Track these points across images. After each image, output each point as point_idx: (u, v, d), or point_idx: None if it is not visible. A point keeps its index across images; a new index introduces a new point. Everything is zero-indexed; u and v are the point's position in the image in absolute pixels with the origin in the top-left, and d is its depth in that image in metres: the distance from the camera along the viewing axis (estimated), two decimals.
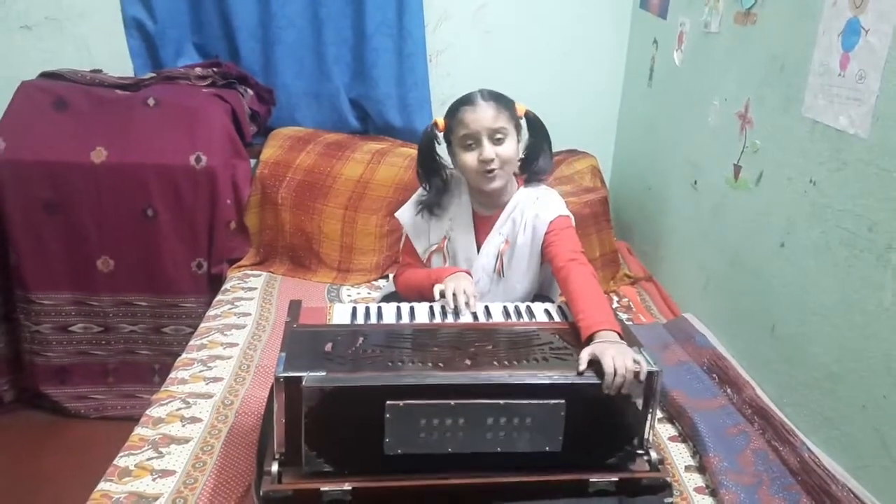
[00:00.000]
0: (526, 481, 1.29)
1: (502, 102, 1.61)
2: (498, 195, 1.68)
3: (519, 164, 1.69)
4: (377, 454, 1.25)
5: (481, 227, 1.71)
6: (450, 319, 1.51)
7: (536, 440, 1.27)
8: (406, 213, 1.75)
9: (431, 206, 1.71)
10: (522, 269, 1.69)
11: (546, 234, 1.63)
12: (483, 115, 1.58)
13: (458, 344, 1.39)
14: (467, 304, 1.52)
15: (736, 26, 2.02)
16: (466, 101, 1.61)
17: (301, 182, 2.58)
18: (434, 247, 1.72)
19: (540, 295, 1.74)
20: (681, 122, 2.40)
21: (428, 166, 1.70)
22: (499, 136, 1.59)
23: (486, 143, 1.59)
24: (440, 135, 1.67)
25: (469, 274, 1.63)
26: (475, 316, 1.52)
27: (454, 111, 1.62)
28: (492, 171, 1.61)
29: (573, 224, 1.67)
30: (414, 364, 1.30)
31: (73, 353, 2.51)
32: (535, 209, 1.66)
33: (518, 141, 1.65)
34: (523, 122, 1.67)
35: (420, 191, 1.75)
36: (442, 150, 1.70)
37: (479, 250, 1.70)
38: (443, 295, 1.54)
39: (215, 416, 1.71)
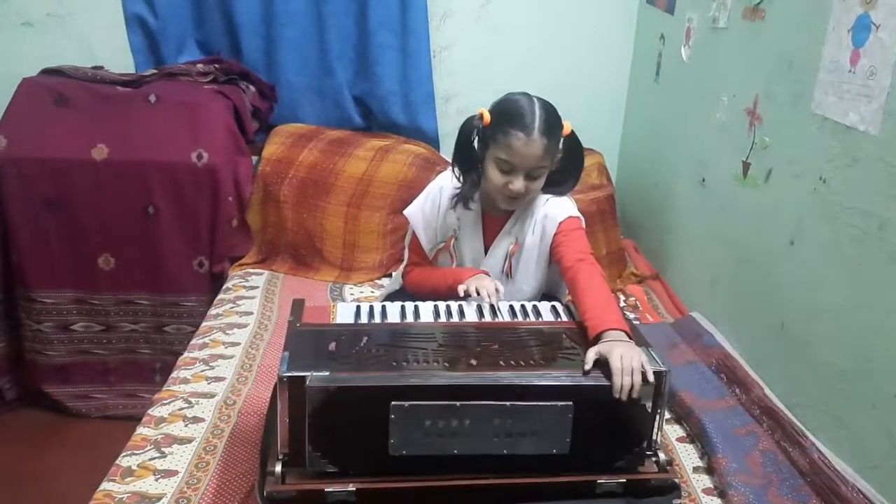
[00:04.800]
0: (532, 483, 1.28)
1: (553, 136, 1.53)
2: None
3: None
4: (381, 455, 1.23)
5: (490, 227, 1.69)
6: (455, 318, 1.49)
7: (543, 443, 1.25)
8: (414, 210, 1.72)
9: (467, 199, 1.66)
10: (531, 270, 1.67)
11: (555, 234, 1.61)
12: (532, 154, 1.52)
13: (463, 343, 1.38)
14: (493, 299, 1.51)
15: (744, 22, 2.00)
16: (521, 123, 1.51)
17: (303, 179, 2.56)
18: (441, 245, 1.70)
19: (548, 295, 1.72)
20: (688, 119, 2.39)
21: (465, 159, 1.63)
22: (536, 172, 1.56)
23: (521, 177, 1.54)
24: (481, 128, 1.58)
25: (488, 275, 1.61)
26: (494, 312, 1.51)
27: (506, 126, 1.52)
28: (516, 199, 1.59)
29: (583, 226, 1.64)
30: (419, 364, 1.29)
31: (74, 351, 2.50)
32: (545, 210, 1.64)
33: (553, 164, 1.61)
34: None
35: (434, 183, 1.72)
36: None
37: (486, 251, 1.68)
38: (468, 294, 1.52)
39: (218, 416, 1.69)
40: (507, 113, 1.54)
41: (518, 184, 1.55)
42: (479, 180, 1.64)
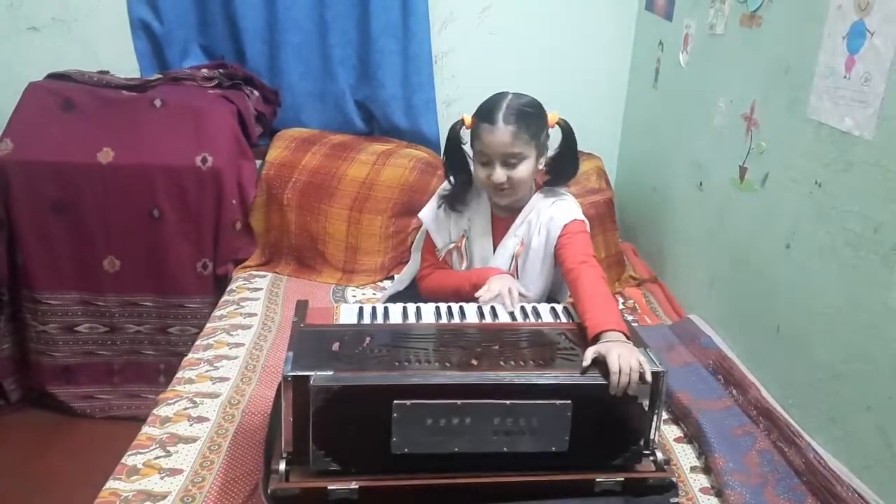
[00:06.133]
0: (531, 481, 1.30)
1: (524, 123, 1.58)
2: (514, 201, 1.69)
3: (543, 170, 1.70)
4: (384, 453, 1.25)
5: (498, 228, 1.72)
6: (456, 319, 1.51)
7: (542, 441, 1.28)
8: (428, 212, 1.76)
9: (454, 202, 1.72)
10: (536, 272, 1.69)
11: (559, 237, 1.64)
12: (499, 141, 1.57)
13: (464, 344, 1.40)
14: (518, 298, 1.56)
15: (742, 28, 2.03)
16: (488, 116, 1.58)
17: (306, 183, 2.59)
18: (452, 245, 1.73)
19: (549, 297, 1.75)
20: (686, 124, 2.41)
21: (454, 161, 1.70)
22: (512, 160, 1.59)
23: (497, 166, 1.59)
24: (467, 132, 1.65)
25: (513, 275, 1.64)
26: (494, 313, 1.54)
27: (477, 120, 1.60)
28: (502, 190, 1.62)
29: (588, 229, 1.67)
30: (420, 364, 1.31)
31: (78, 353, 2.52)
32: (551, 212, 1.67)
33: (541, 156, 1.65)
34: (555, 130, 1.66)
35: (444, 185, 1.76)
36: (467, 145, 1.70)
37: (494, 251, 1.71)
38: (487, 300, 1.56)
39: (222, 416, 1.71)
40: (480, 109, 1.62)
41: (497, 174, 1.59)
42: (469, 181, 1.70)
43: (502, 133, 1.56)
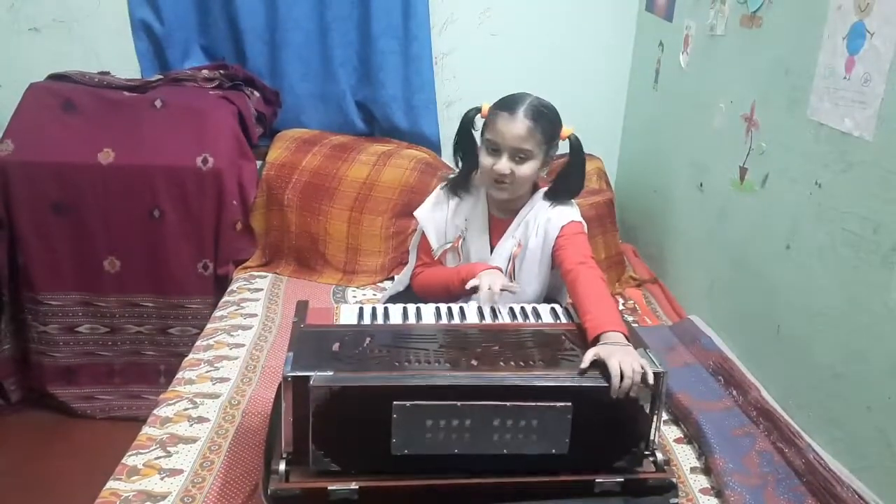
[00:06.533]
0: (531, 482, 1.30)
1: (541, 124, 1.58)
2: (512, 200, 1.69)
3: (544, 178, 1.70)
4: (384, 454, 1.25)
5: (496, 229, 1.73)
6: (456, 320, 1.51)
7: (543, 443, 1.27)
8: (424, 211, 1.76)
9: (456, 187, 1.73)
10: (533, 273, 1.70)
11: (557, 238, 1.64)
12: (513, 132, 1.57)
13: (464, 344, 1.40)
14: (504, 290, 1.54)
15: (742, 29, 2.03)
16: (509, 105, 1.59)
17: (307, 183, 2.59)
18: (448, 245, 1.73)
19: (549, 299, 1.75)
20: (686, 125, 2.41)
21: (463, 146, 1.71)
22: (521, 155, 1.59)
23: (505, 157, 1.59)
24: (480, 119, 1.66)
25: (500, 270, 1.64)
26: (494, 313, 1.53)
27: (495, 108, 1.62)
28: (502, 183, 1.62)
29: (585, 231, 1.68)
30: (420, 364, 1.31)
31: (79, 353, 2.52)
32: (549, 214, 1.67)
33: (545, 164, 1.65)
34: (565, 143, 1.67)
35: (441, 187, 1.76)
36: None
37: (492, 252, 1.71)
38: (474, 289, 1.55)
39: (222, 416, 1.71)
40: (501, 100, 1.63)
41: (502, 163, 1.59)
42: (471, 169, 1.70)
43: (520, 125, 1.57)
